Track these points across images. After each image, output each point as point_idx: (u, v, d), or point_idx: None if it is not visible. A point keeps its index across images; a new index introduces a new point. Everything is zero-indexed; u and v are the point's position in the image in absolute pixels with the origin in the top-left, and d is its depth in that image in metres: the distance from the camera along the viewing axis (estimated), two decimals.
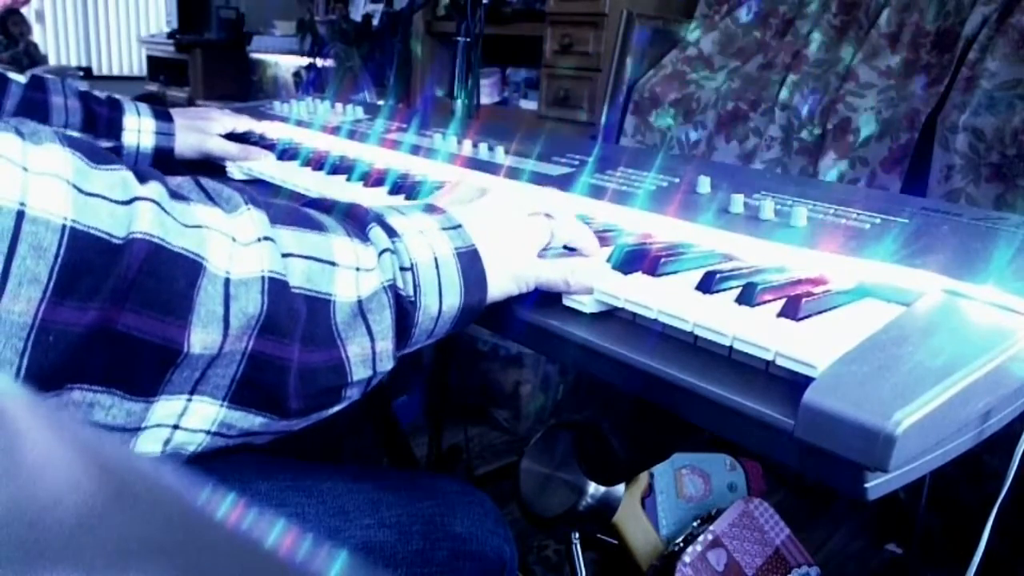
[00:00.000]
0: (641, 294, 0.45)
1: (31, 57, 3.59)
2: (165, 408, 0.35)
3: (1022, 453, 0.44)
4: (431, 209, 0.47)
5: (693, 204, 0.64)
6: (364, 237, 0.41)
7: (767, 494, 1.29)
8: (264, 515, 0.13)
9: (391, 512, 0.59)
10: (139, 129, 0.87)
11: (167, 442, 0.36)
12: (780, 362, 0.38)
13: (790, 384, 0.37)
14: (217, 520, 0.13)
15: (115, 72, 4.97)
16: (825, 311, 0.44)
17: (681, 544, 1.15)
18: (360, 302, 0.39)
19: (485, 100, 2.22)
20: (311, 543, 0.13)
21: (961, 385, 0.34)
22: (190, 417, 0.36)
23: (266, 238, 0.37)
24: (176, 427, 0.36)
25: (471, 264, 0.44)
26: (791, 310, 0.42)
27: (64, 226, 0.30)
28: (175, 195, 0.35)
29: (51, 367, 0.30)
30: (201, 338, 0.34)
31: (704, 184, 0.67)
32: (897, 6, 1.58)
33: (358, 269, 0.39)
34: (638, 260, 0.52)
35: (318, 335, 0.37)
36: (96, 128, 0.84)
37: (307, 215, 0.41)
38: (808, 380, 0.35)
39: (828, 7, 1.70)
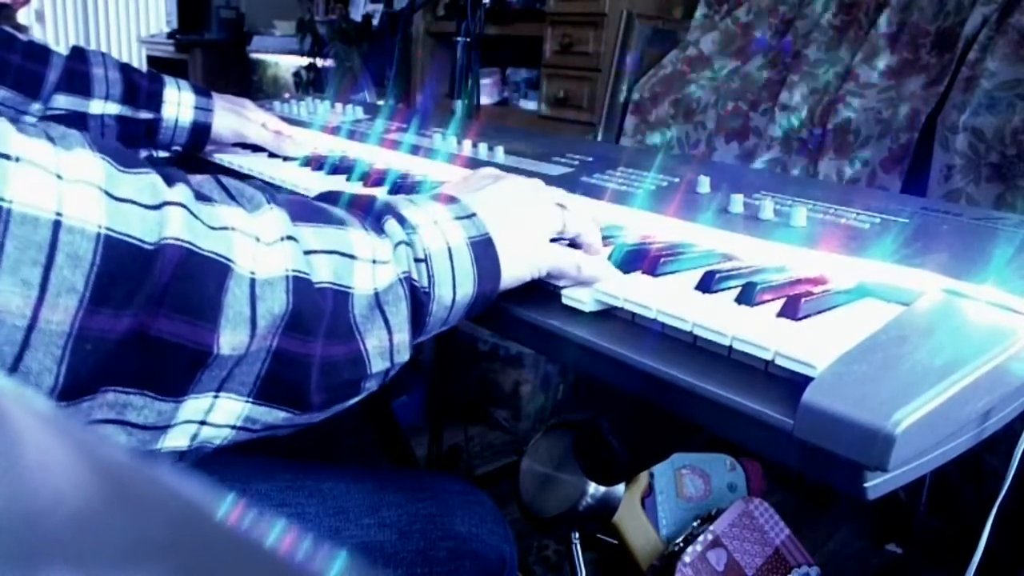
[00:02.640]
0: (641, 294, 0.45)
1: None
2: (193, 406, 0.35)
3: (1022, 453, 0.44)
4: (445, 198, 0.47)
5: (693, 204, 0.64)
6: (380, 229, 0.42)
7: (767, 494, 1.29)
8: (264, 515, 0.13)
9: (391, 512, 0.59)
10: (179, 103, 0.86)
11: (194, 437, 0.36)
12: (780, 362, 0.38)
13: (790, 384, 0.37)
14: (217, 520, 0.13)
15: None
16: (825, 311, 0.44)
17: (681, 544, 1.15)
18: (377, 294, 0.40)
19: (485, 100, 2.22)
20: (311, 543, 0.13)
21: (961, 385, 0.34)
22: (216, 413, 0.36)
23: (289, 237, 0.37)
24: (203, 423, 0.36)
25: (485, 253, 0.45)
26: (791, 310, 0.42)
27: (99, 234, 0.30)
28: (200, 197, 0.35)
29: (88, 373, 0.31)
30: (229, 340, 0.34)
31: (704, 184, 0.67)
32: (897, 6, 1.58)
33: (375, 262, 0.40)
34: (638, 260, 0.52)
35: (339, 329, 0.38)
36: (136, 100, 0.84)
37: (325, 210, 0.41)
38: (808, 380, 0.35)
39: (828, 7, 1.70)
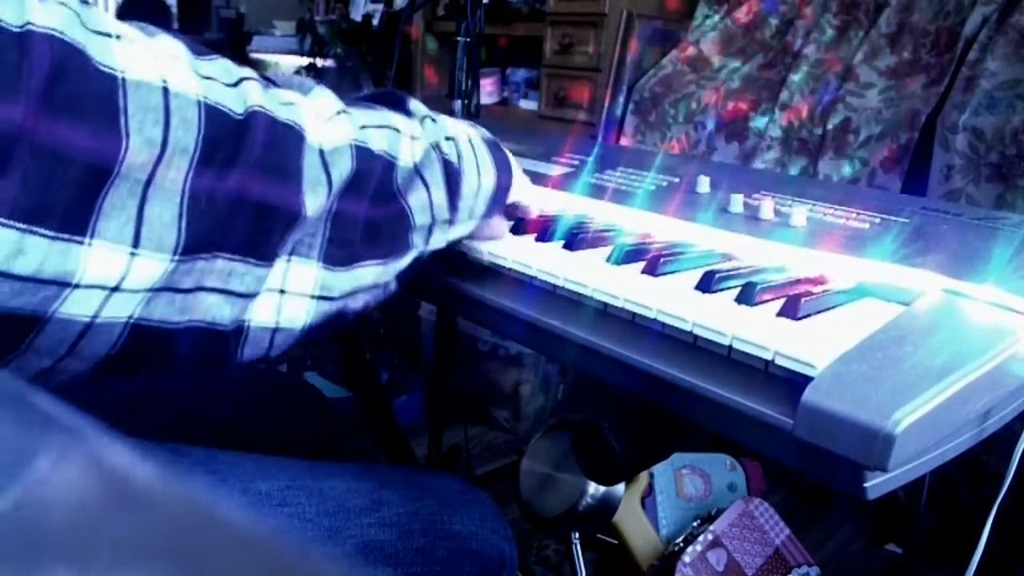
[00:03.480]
0: (641, 294, 0.45)
1: None
2: (276, 271, 0.38)
3: (1022, 453, 0.44)
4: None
5: (693, 204, 0.64)
6: (408, 112, 0.47)
7: (767, 494, 1.29)
8: (264, 515, 0.13)
9: (391, 511, 0.59)
10: None
11: (278, 310, 0.39)
12: (779, 361, 0.38)
13: (789, 383, 0.37)
14: (217, 520, 0.13)
15: None
16: (824, 311, 0.44)
17: (681, 544, 1.15)
18: (416, 165, 0.45)
19: (485, 100, 2.22)
20: (311, 543, 0.13)
21: (961, 384, 0.34)
22: (292, 280, 0.39)
23: (343, 111, 0.41)
24: (282, 291, 0.38)
25: (498, 150, 0.51)
26: (790, 310, 0.42)
27: (199, 101, 0.33)
28: (262, 81, 0.38)
29: (204, 231, 0.33)
30: (312, 201, 0.37)
31: (704, 184, 0.67)
32: (897, 6, 1.58)
33: (413, 137, 0.45)
34: (638, 260, 0.52)
35: (384, 192, 0.42)
36: None
37: (361, 100, 0.45)
38: (807, 379, 0.35)
39: (828, 7, 1.70)
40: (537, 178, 0.75)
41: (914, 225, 0.56)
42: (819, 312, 0.43)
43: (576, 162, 0.80)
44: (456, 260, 0.57)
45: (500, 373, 1.79)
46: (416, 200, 0.44)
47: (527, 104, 2.38)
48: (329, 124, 0.39)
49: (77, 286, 0.30)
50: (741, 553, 1.14)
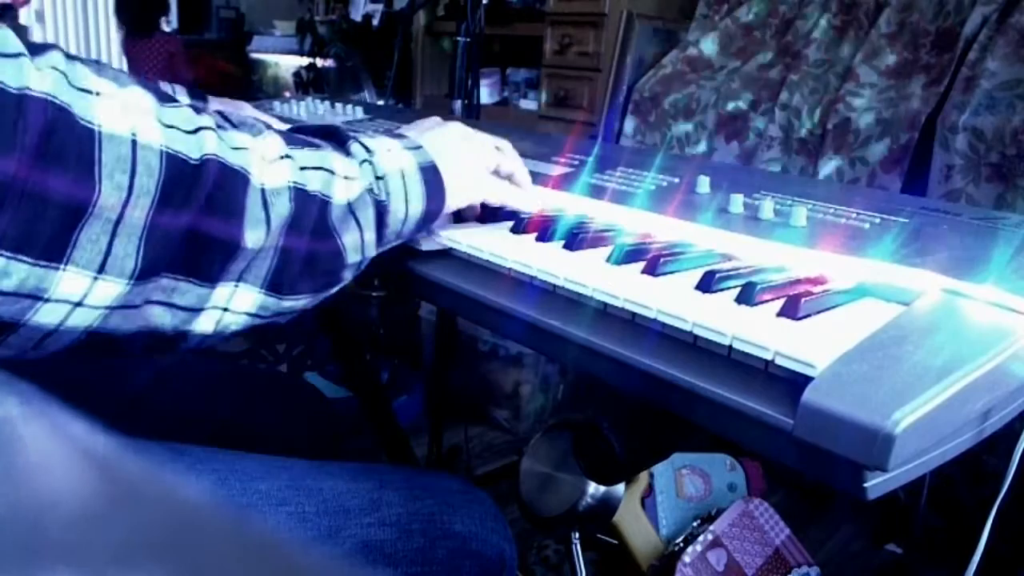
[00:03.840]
0: (641, 294, 0.45)
1: None
2: (221, 293, 0.43)
3: (1022, 453, 0.44)
4: (396, 135, 0.56)
5: (693, 204, 0.64)
6: (348, 152, 0.51)
7: (767, 494, 1.29)
8: (264, 515, 0.13)
9: (391, 511, 0.59)
10: None
11: (218, 322, 0.45)
12: (779, 361, 0.38)
13: (789, 383, 0.37)
14: (217, 520, 0.13)
15: None
16: (824, 310, 0.44)
17: (681, 544, 1.15)
18: (350, 203, 0.49)
19: (485, 100, 2.22)
20: (311, 543, 0.13)
21: (961, 385, 0.34)
22: (236, 301, 0.45)
23: (287, 156, 0.46)
24: (226, 309, 0.45)
25: (431, 177, 0.54)
26: (790, 309, 0.42)
27: (162, 151, 0.38)
28: (219, 124, 0.43)
29: (155, 259, 0.39)
30: (251, 236, 0.43)
31: (704, 184, 0.67)
32: (897, 6, 1.58)
33: (347, 178, 0.49)
34: (638, 260, 0.52)
35: (322, 230, 0.47)
36: None
37: (305, 139, 0.50)
38: (807, 379, 0.35)
39: (828, 7, 1.70)
40: (537, 178, 0.75)
41: (914, 225, 0.56)
42: (819, 312, 0.43)
43: (576, 162, 0.80)
44: (457, 260, 0.57)
45: (500, 373, 1.79)
46: (350, 240, 0.49)
47: (527, 104, 2.38)
48: (272, 166, 0.44)
49: (48, 300, 0.37)
50: (741, 553, 1.14)
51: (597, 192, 0.69)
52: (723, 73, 1.81)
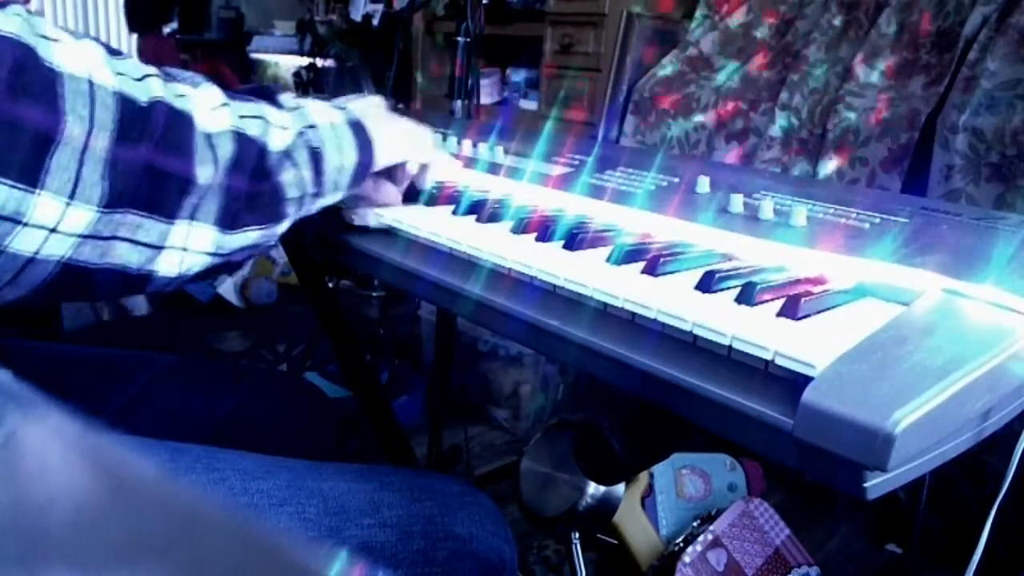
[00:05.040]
0: (641, 294, 0.45)
1: None
2: (179, 231, 0.48)
3: (1022, 453, 0.44)
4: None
5: (693, 204, 0.64)
6: (279, 105, 0.56)
7: (767, 494, 1.29)
8: (264, 515, 0.13)
9: (392, 512, 0.59)
10: None
11: (180, 263, 0.49)
12: (779, 361, 0.38)
13: (789, 384, 0.37)
14: (217, 520, 0.13)
15: None
16: (824, 310, 0.44)
17: (681, 544, 1.15)
18: (286, 149, 0.53)
19: (485, 100, 2.22)
20: (311, 543, 0.13)
21: (960, 385, 0.34)
22: (193, 239, 0.49)
23: (225, 104, 0.50)
24: (185, 249, 0.49)
25: (359, 131, 0.59)
26: (790, 309, 0.42)
27: (115, 91, 0.43)
28: (164, 74, 0.48)
29: (121, 190, 0.43)
30: (202, 172, 0.47)
31: (704, 184, 0.67)
32: (897, 6, 1.58)
33: (283, 128, 0.53)
34: (638, 260, 0.52)
35: (262, 171, 0.51)
36: None
37: (242, 95, 0.54)
38: (807, 380, 0.35)
39: (828, 7, 1.70)
40: (538, 178, 0.75)
41: (914, 225, 0.56)
42: (819, 312, 0.43)
43: (576, 162, 0.79)
44: (457, 259, 0.57)
45: (500, 373, 1.79)
46: (287, 177, 0.53)
47: (527, 104, 2.38)
48: (214, 113, 0.49)
49: (26, 224, 0.40)
50: (741, 553, 1.14)
51: (597, 192, 0.69)
52: (723, 73, 1.81)
